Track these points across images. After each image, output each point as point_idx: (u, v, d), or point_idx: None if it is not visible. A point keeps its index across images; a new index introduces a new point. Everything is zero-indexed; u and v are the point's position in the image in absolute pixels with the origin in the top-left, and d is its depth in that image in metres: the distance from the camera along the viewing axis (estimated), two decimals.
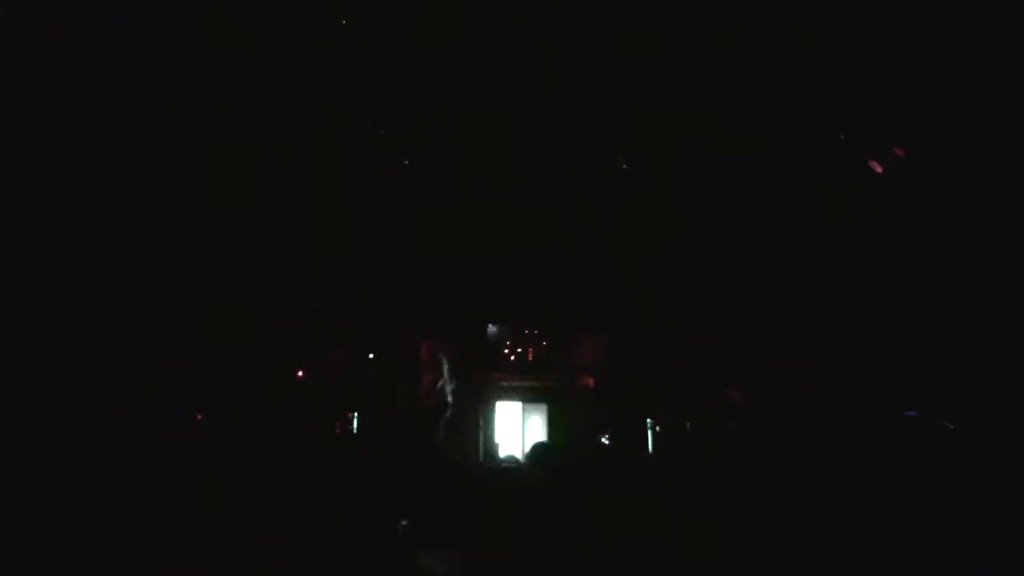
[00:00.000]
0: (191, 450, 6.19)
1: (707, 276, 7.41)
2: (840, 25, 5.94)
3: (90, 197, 5.56)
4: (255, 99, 6.35)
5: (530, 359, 10.41)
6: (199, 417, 7.01)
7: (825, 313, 6.75)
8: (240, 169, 6.64)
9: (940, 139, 5.92)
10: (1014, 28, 5.27)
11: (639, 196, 7.58)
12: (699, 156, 6.93)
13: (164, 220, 6.30)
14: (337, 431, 8.43)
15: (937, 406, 5.71)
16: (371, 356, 9.06)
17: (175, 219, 6.38)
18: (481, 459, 9.07)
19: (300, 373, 8.33)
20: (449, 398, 7.86)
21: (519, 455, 8.69)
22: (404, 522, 4.17)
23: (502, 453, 9.20)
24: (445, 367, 7.91)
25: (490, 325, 10.18)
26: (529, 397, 10.07)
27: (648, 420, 8.69)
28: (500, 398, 10.00)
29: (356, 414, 8.77)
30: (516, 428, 9.97)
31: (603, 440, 8.51)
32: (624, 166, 7.51)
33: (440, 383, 7.89)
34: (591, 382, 9.85)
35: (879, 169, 6.50)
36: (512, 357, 10.38)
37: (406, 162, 7.36)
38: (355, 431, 8.69)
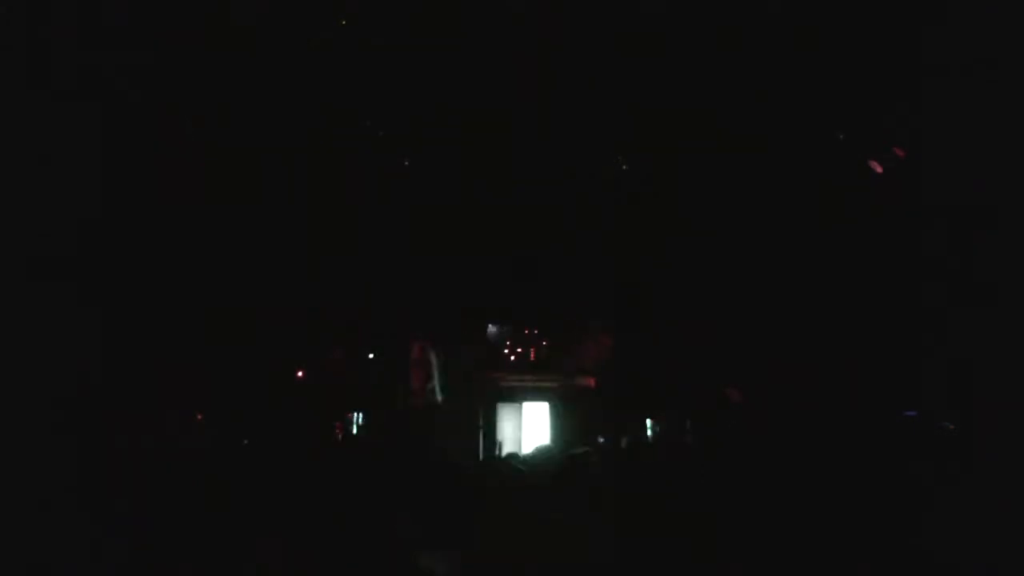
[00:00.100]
0: (191, 450, 6.19)
1: (707, 276, 7.40)
2: (840, 25, 5.94)
3: (90, 197, 5.56)
4: (255, 99, 6.35)
5: (530, 359, 10.42)
6: (199, 417, 7.02)
7: (825, 313, 6.75)
8: (240, 169, 6.64)
9: (940, 139, 5.91)
10: (1014, 28, 5.27)
11: (639, 196, 7.58)
12: (699, 156, 6.93)
13: (164, 220, 6.30)
14: (337, 431, 8.44)
15: (937, 406, 5.70)
16: (371, 356, 9.06)
17: (175, 219, 6.38)
18: (481, 459, 9.07)
19: (300, 373, 8.34)
20: (438, 398, 7.86)
21: (519, 455, 8.68)
22: (404, 522, 4.17)
23: (502, 453, 9.20)
24: (435, 368, 7.91)
25: (490, 325, 10.18)
26: (529, 397, 10.07)
27: (648, 420, 8.69)
28: (500, 398, 10.00)
29: (356, 414, 8.78)
30: (516, 428, 9.97)
31: (603, 440, 8.51)
32: (624, 166, 7.51)
33: (430, 384, 7.90)
34: (591, 382, 9.85)
35: (879, 169, 6.50)
36: (512, 357, 10.38)
37: (406, 163, 7.36)
38: (355, 431, 8.70)
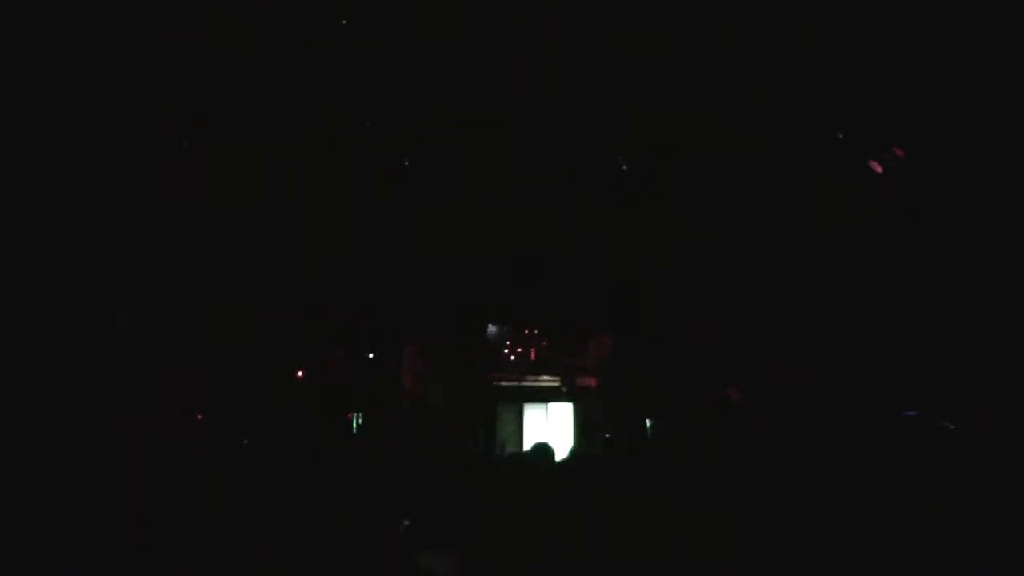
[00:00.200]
0: (191, 450, 6.19)
1: (707, 276, 7.40)
2: (840, 25, 5.94)
3: (90, 197, 5.56)
4: (255, 99, 6.35)
5: (530, 359, 10.42)
6: (199, 417, 7.01)
7: (825, 313, 6.75)
8: (240, 169, 6.64)
9: (940, 139, 5.91)
10: (1014, 28, 5.27)
11: (639, 196, 7.57)
12: (699, 156, 6.92)
13: (164, 220, 6.30)
14: (337, 431, 8.43)
15: (937, 406, 5.70)
16: (371, 356, 9.06)
17: (175, 219, 6.37)
18: (481, 459, 9.06)
19: (300, 373, 8.33)
20: (429, 401, 7.87)
21: (519, 455, 8.68)
22: (405, 522, 4.17)
23: (502, 453, 9.21)
24: (426, 372, 7.92)
25: (490, 325, 10.18)
26: (529, 397, 10.08)
27: (648, 420, 8.69)
28: (500, 398, 10.00)
29: (356, 414, 8.77)
30: (516, 428, 9.98)
31: (603, 440, 8.51)
32: (624, 167, 7.51)
33: (421, 387, 7.89)
34: (591, 382, 9.85)
35: (879, 169, 6.49)
36: (512, 357, 10.38)
37: (406, 163, 7.35)
38: (355, 431, 8.70)
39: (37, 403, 4.93)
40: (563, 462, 5.56)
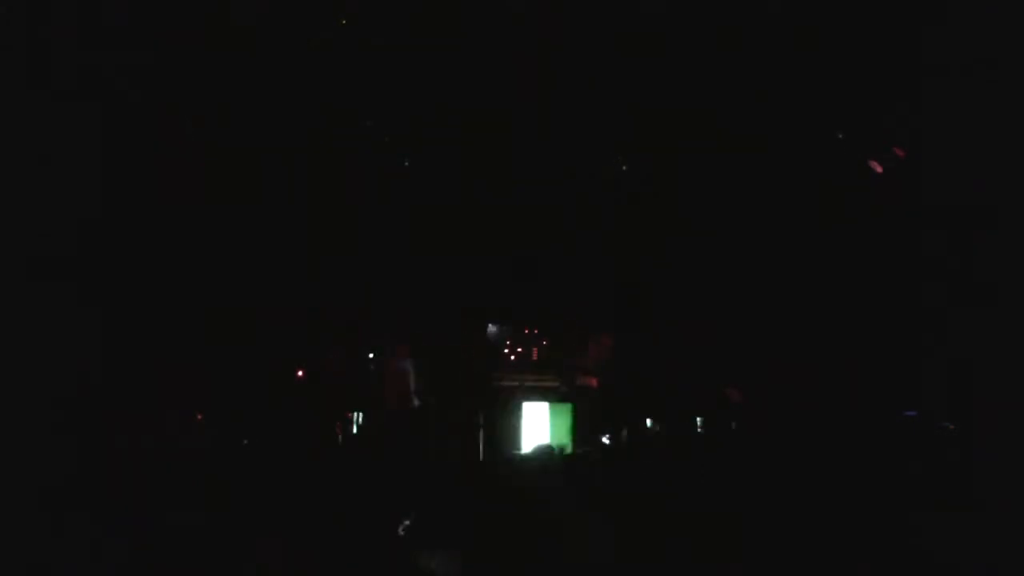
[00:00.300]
0: (191, 450, 6.19)
1: (707, 276, 7.40)
2: (840, 25, 5.94)
3: (90, 197, 5.56)
4: (255, 99, 6.35)
5: (531, 359, 10.41)
6: (199, 417, 7.01)
7: (825, 313, 6.75)
8: (240, 169, 6.64)
9: (940, 139, 5.91)
10: (1014, 28, 5.27)
11: (639, 196, 7.57)
12: (699, 156, 6.92)
13: (164, 220, 6.30)
14: (337, 431, 8.43)
15: (937, 406, 5.70)
16: (371, 356, 9.05)
17: (175, 219, 6.37)
18: (481, 459, 9.05)
19: (300, 373, 8.33)
20: (415, 403, 7.86)
21: (519, 455, 8.68)
22: (405, 522, 4.17)
23: (503, 453, 9.19)
24: (411, 375, 7.91)
25: (490, 325, 10.17)
26: (529, 397, 10.06)
27: (648, 420, 8.68)
28: (500, 398, 9.98)
29: (356, 414, 8.77)
30: (516, 428, 9.96)
31: (603, 440, 8.51)
32: (624, 167, 7.51)
33: (407, 390, 7.88)
34: (591, 382, 9.84)
35: (879, 169, 6.49)
36: (512, 357, 10.37)
37: (406, 163, 7.36)
38: (355, 431, 8.69)
39: (37, 403, 4.93)
40: (563, 462, 5.56)
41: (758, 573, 3.83)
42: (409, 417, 8.15)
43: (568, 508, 4.25)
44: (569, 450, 7.88)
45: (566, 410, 9.81)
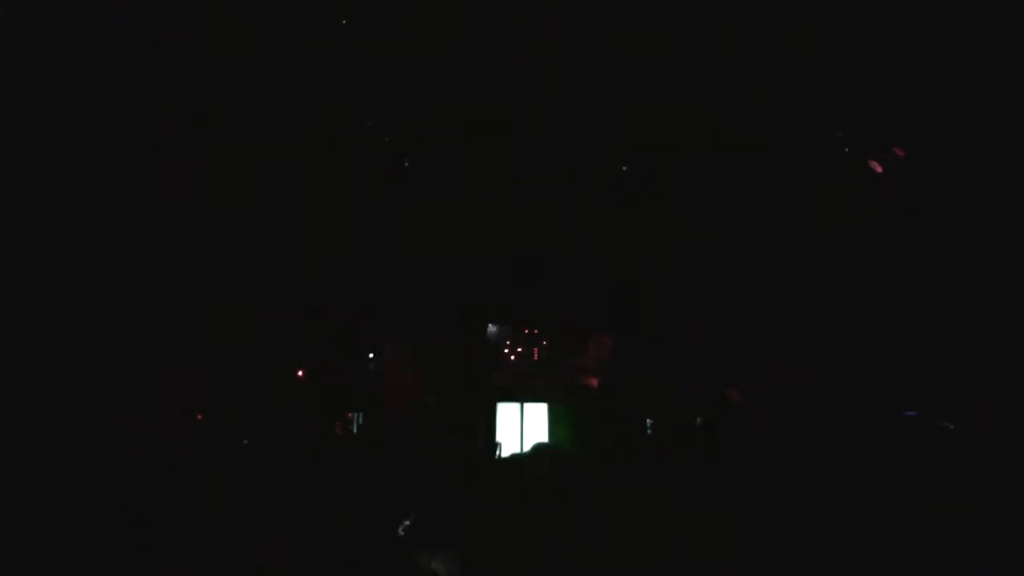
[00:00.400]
0: (191, 450, 6.19)
1: (707, 276, 7.40)
2: (840, 25, 5.94)
3: (90, 197, 5.56)
4: (255, 99, 6.35)
5: (531, 359, 10.42)
6: (199, 417, 7.02)
7: (825, 313, 6.75)
8: (240, 169, 6.64)
9: (940, 139, 5.91)
10: (1014, 28, 5.27)
11: (639, 196, 7.57)
12: (699, 156, 6.92)
13: (164, 220, 6.30)
14: (337, 431, 8.43)
15: (937, 406, 5.70)
16: (371, 356, 9.06)
17: (175, 219, 6.37)
18: (481, 460, 9.06)
19: (300, 373, 8.33)
20: (429, 402, 7.87)
21: (519, 455, 8.68)
22: (405, 522, 4.17)
23: (503, 453, 9.20)
24: (411, 375, 7.91)
25: (490, 325, 10.18)
26: (529, 397, 10.07)
27: (648, 420, 8.69)
28: (500, 398, 9.99)
29: (356, 414, 8.78)
30: (516, 428, 9.97)
31: (603, 440, 8.51)
32: (624, 168, 7.51)
33: (407, 389, 7.88)
34: (592, 382, 9.84)
35: (879, 169, 6.50)
36: (512, 357, 10.38)
37: (406, 164, 7.36)
38: (355, 431, 8.70)
39: (37, 403, 4.93)
40: (563, 462, 5.55)
41: (758, 573, 3.84)
42: (409, 417, 8.15)
43: (568, 508, 4.25)
44: (569, 450, 7.87)
45: (566, 410, 9.82)
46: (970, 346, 5.67)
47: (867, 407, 6.18)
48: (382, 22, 6.29)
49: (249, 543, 3.93)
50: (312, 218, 7.16)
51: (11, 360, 4.94)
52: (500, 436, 9.74)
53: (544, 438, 9.60)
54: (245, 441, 6.75)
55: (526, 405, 10.04)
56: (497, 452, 9.24)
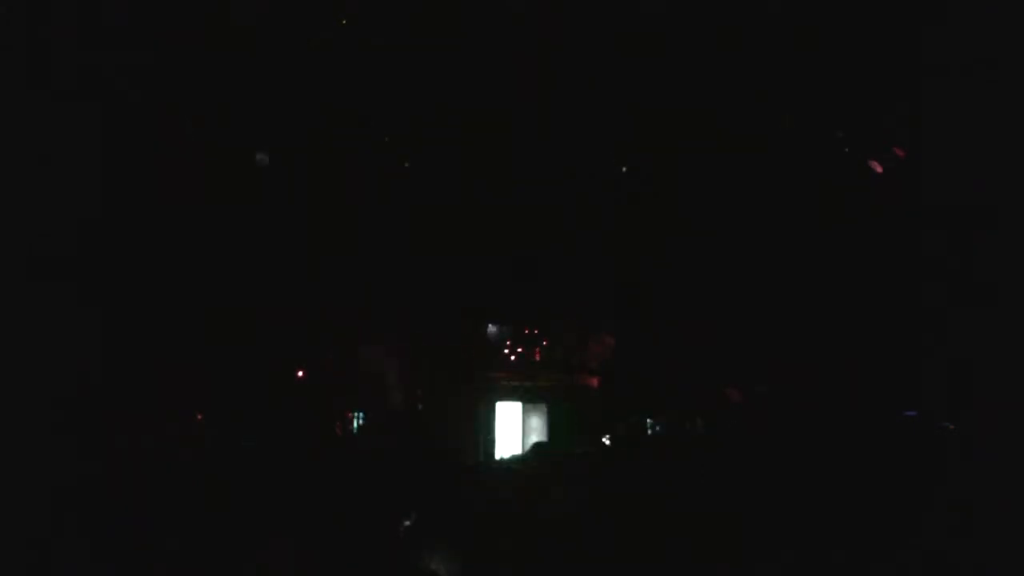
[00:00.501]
0: (191, 450, 6.19)
1: (707, 276, 7.40)
2: (840, 25, 5.94)
3: (90, 197, 5.56)
4: (255, 99, 6.35)
5: (530, 359, 10.42)
6: (199, 417, 7.02)
7: (825, 313, 6.75)
8: (240, 169, 6.64)
9: (940, 139, 5.91)
10: (1014, 28, 5.27)
11: (639, 196, 7.58)
12: (699, 156, 6.92)
13: (164, 220, 6.30)
14: (337, 431, 8.43)
15: (937, 406, 5.70)
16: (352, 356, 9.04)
17: (175, 219, 6.37)
18: (481, 459, 9.07)
19: (300, 373, 8.33)
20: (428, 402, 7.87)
21: (519, 455, 8.68)
22: (405, 522, 4.17)
23: (503, 453, 9.20)
24: (392, 374, 7.92)
25: (490, 325, 10.18)
26: (529, 397, 10.07)
27: (648, 420, 8.69)
28: (500, 398, 10.00)
29: (356, 414, 8.78)
30: (516, 428, 9.97)
31: (603, 440, 8.51)
32: (624, 168, 7.51)
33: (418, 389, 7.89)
34: (592, 382, 9.85)
35: (879, 169, 6.50)
36: (512, 357, 10.38)
37: (406, 164, 7.36)
38: (355, 431, 8.70)
39: (37, 403, 4.93)
40: (563, 462, 5.55)
41: (758, 573, 3.84)
42: (409, 417, 8.15)
43: (568, 508, 4.25)
44: (568, 450, 7.88)
45: (565, 410, 9.82)
46: (970, 346, 5.66)
47: (867, 407, 6.18)
48: (382, 22, 6.29)
49: (249, 543, 3.93)
50: (312, 218, 7.16)
51: (11, 360, 4.94)
52: (500, 436, 9.75)
53: (544, 438, 9.60)
54: (245, 441, 6.75)
55: (526, 405, 10.04)
56: (497, 451, 9.26)
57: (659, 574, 3.87)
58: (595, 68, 6.48)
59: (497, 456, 9.19)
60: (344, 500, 4.44)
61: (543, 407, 10.03)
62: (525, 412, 10.04)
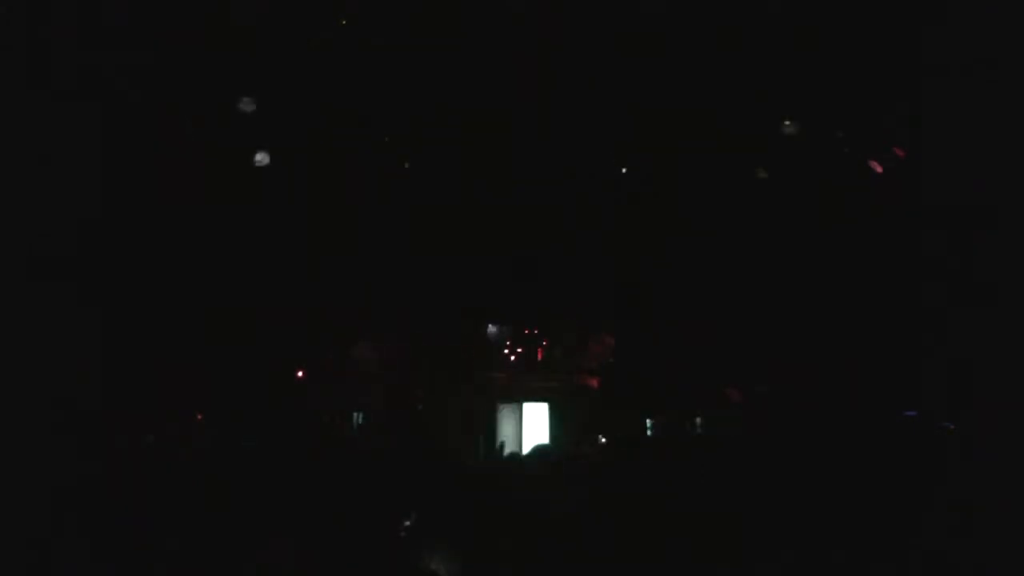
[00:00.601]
0: (191, 450, 6.19)
1: (707, 276, 7.40)
2: (840, 25, 5.94)
3: (90, 197, 5.56)
4: (255, 99, 6.35)
5: (531, 359, 10.42)
6: (199, 417, 7.02)
7: (825, 313, 6.75)
8: (240, 169, 6.64)
9: (940, 139, 5.92)
10: (1014, 28, 5.27)
11: (639, 196, 7.58)
12: (699, 156, 6.93)
13: (164, 220, 6.30)
14: (337, 431, 8.43)
15: (937, 406, 5.70)
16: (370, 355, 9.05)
17: (175, 219, 6.38)
18: (481, 459, 9.06)
19: (300, 373, 8.33)
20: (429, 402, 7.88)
21: (519, 455, 8.68)
22: (406, 522, 4.17)
23: (503, 453, 9.19)
24: (393, 374, 7.92)
25: (490, 325, 10.18)
26: (529, 397, 10.07)
27: (648, 420, 8.69)
28: (500, 398, 9.99)
29: (356, 414, 8.78)
30: (516, 428, 9.97)
31: (603, 440, 8.51)
32: (624, 169, 7.51)
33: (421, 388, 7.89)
34: (592, 382, 9.85)
35: (879, 169, 6.50)
36: (512, 357, 10.38)
37: (406, 165, 7.36)
38: (355, 431, 8.70)
39: (37, 403, 4.93)
40: (563, 462, 5.55)
41: (758, 573, 3.84)
42: (409, 417, 8.15)
43: (568, 508, 4.25)
44: (569, 450, 7.88)
45: (566, 410, 9.82)
46: (970, 346, 5.67)
47: (867, 407, 6.18)
48: (382, 22, 6.29)
49: (249, 543, 3.93)
50: (312, 218, 7.16)
51: (11, 360, 4.94)
52: (500, 436, 9.74)
53: (544, 438, 9.60)
54: (245, 441, 6.75)
55: (526, 405, 10.04)
56: (498, 452, 9.24)
57: (659, 574, 3.87)
58: (595, 68, 6.48)
59: (497, 456, 9.18)
60: (344, 500, 4.43)
61: (543, 407, 10.03)
62: (525, 412, 10.04)
